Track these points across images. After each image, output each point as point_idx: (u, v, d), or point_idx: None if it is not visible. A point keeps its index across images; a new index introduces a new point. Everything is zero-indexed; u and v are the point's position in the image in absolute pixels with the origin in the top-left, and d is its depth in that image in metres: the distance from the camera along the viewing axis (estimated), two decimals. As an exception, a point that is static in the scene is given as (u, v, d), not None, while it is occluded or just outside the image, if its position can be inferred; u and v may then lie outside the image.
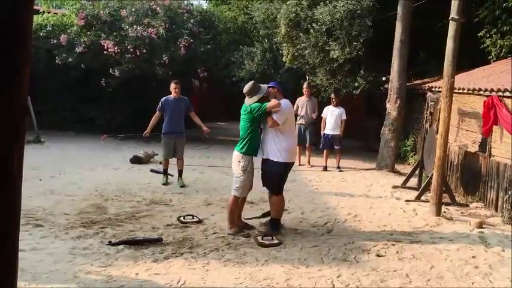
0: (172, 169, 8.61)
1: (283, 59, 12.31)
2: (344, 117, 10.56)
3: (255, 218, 6.40)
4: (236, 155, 5.66)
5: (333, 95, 10.92)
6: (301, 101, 10.87)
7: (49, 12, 14.26)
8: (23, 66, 1.16)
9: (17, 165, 1.13)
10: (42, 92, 13.08)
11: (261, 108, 5.46)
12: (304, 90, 10.91)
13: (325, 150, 10.62)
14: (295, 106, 10.89)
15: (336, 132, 10.58)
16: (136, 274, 4.43)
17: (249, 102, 5.58)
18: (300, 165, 10.58)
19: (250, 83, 5.74)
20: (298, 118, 10.78)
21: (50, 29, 13.45)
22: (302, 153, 10.78)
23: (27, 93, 1.19)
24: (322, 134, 10.72)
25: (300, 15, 11.60)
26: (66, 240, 5.24)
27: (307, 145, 10.78)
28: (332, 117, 10.59)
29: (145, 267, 4.60)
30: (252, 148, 5.62)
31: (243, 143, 5.59)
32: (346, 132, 10.95)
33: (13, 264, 1.20)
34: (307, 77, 12.34)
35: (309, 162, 10.81)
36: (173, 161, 8.59)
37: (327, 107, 10.82)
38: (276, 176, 5.72)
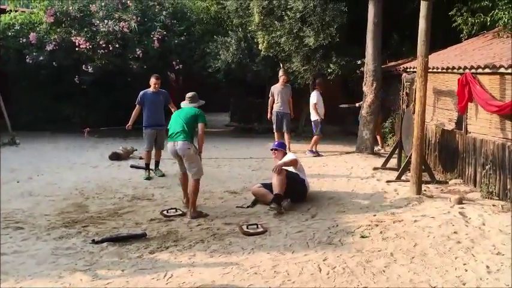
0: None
1: (259, 47, 12.27)
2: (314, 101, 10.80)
3: (246, 207, 6.45)
4: (184, 144, 6.18)
5: (318, 80, 11.00)
6: (276, 88, 10.86)
7: (16, 11, 13.89)
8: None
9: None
10: (15, 92, 12.79)
11: (203, 116, 6.45)
12: (281, 77, 10.90)
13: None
14: (270, 94, 10.96)
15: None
16: (122, 271, 4.39)
17: (188, 105, 6.53)
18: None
19: (195, 93, 6.63)
20: (274, 106, 10.82)
21: (18, 28, 13.11)
22: (281, 140, 10.80)
23: None
24: (320, 120, 10.73)
25: (272, 3, 11.56)
26: (48, 241, 5.16)
27: (285, 132, 10.77)
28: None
29: (130, 263, 4.56)
30: (193, 137, 6.36)
31: (188, 134, 6.24)
32: (326, 117, 11.05)
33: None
34: (280, 65, 12.33)
35: (289, 148, 10.83)
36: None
37: (317, 93, 10.79)
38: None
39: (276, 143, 7.48)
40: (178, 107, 6.88)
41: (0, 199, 6.62)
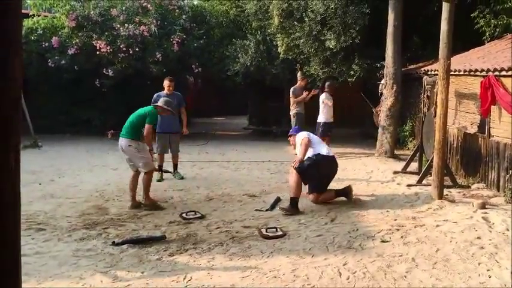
0: (169, 166, 8.60)
1: (278, 50, 12.26)
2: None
3: (265, 210, 6.42)
4: (126, 141, 6.51)
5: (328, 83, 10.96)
6: (297, 89, 10.95)
7: (39, 16, 14.13)
8: (13, 56, 1.13)
9: (14, 159, 1.10)
10: (36, 96, 13.00)
11: (151, 118, 6.67)
12: (303, 80, 11.01)
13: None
14: (292, 93, 10.95)
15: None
16: (142, 273, 4.41)
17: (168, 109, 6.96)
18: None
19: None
20: (296, 107, 10.83)
21: (40, 32, 13.35)
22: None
23: (20, 85, 1.16)
24: (325, 122, 10.67)
25: (292, 5, 11.54)
26: (69, 242, 5.21)
27: None
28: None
29: (150, 265, 4.58)
30: (139, 135, 6.61)
31: (130, 132, 6.54)
32: (344, 120, 11.01)
33: (16, 263, 1.17)
34: (298, 67, 12.28)
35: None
36: (168, 158, 8.59)
37: (327, 95, 10.78)
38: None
39: (293, 128, 7.44)
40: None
41: (20, 201, 6.71)
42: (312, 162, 6.54)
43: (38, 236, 5.40)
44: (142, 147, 6.54)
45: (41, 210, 6.39)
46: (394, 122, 10.57)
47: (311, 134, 6.96)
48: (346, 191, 6.74)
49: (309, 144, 6.62)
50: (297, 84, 11.13)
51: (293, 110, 10.97)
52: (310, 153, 6.62)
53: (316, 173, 6.55)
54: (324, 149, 6.75)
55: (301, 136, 6.77)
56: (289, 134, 7.25)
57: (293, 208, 6.28)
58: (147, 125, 6.52)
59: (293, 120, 10.91)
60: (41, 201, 6.93)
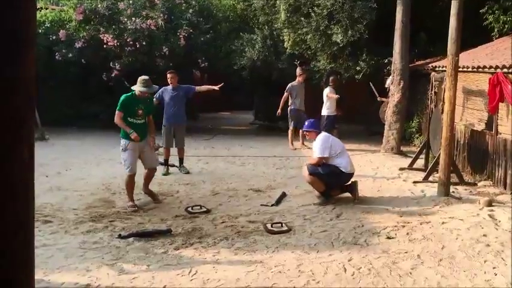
0: (175, 161, 8.63)
1: (285, 45, 12.22)
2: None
3: (271, 205, 6.44)
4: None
5: (332, 77, 11.02)
6: (295, 86, 11.13)
7: (47, 9, 14.16)
8: (28, 46, 1.13)
9: (28, 151, 1.10)
10: (43, 89, 13.00)
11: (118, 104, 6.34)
12: (301, 76, 11.05)
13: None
14: (286, 90, 11.04)
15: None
16: (148, 266, 4.43)
17: (144, 90, 6.31)
18: (294, 149, 11.01)
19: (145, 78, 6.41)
20: (291, 103, 10.94)
21: (48, 25, 13.36)
22: (295, 138, 11.14)
23: (34, 76, 1.17)
24: (328, 115, 10.75)
25: (299, 0, 11.49)
26: (76, 235, 5.24)
27: (301, 130, 10.86)
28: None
29: (156, 258, 4.60)
30: (125, 132, 6.31)
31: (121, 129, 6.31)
32: (349, 116, 11.03)
33: (29, 255, 1.18)
34: (298, 62, 12.26)
35: (303, 143, 10.99)
36: (174, 151, 8.61)
37: (330, 89, 10.82)
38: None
39: (307, 123, 7.05)
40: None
41: (34, 193, 6.75)
42: (328, 170, 6.52)
43: (45, 228, 5.44)
44: (124, 145, 6.28)
45: (47, 203, 6.44)
46: (401, 118, 10.52)
47: (333, 142, 6.72)
48: (352, 187, 6.72)
49: (323, 159, 6.56)
50: (296, 80, 11.17)
51: (290, 106, 11.12)
52: (330, 161, 6.57)
53: (327, 179, 6.53)
54: (344, 162, 6.62)
55: (317, 155, 6.59)
56: (305, 129, 7.02)
57: (327, 199, 6.51)
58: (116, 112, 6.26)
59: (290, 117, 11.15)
60: (47, 193, 6.97)
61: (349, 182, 6.79)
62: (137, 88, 6.33)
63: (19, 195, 1.14)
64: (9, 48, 1.10)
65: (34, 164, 1.20)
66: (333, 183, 6.58)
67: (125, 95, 6.41)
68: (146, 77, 6.41)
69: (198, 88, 8.87)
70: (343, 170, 6.54)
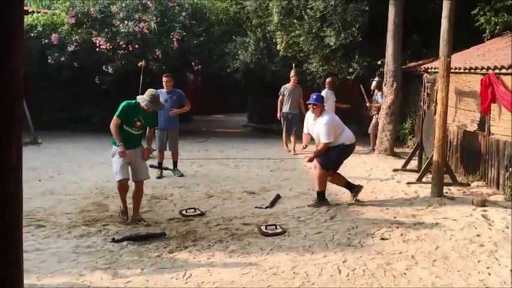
0: (169, 164, 8.61)
1: (278, 48, 12.25)
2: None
3: (265, 207, 6.43)
4: None
5: (329, 79, 11.01)
6: (287, 88, 11.03)
7: (39, 12, 14.09)
8: (16, 47, 1.12)
9: (16, 153, 1.10)
10: (36, 92, 12.95)
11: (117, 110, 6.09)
12: (293, 78, 11.02)
13: None
14: (280, 93, 11.03)
15: None
16: (142, 270, 4.41)
17: (149, 106, 5.95)
18: (289, 151, 10.97)
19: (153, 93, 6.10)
20: (284, 106, 10.92)
21: (40, 29, 13.29)
22: (289, 140, 11.07)
23: (22, 77, 1.16)
24: None
25: (292, 3, 11.52)
26: (69, 239, 5.21)
27: (292, 134, 10.86)
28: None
29: (150, 262, 4.58)
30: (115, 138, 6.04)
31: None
32: (342, 118, 11.00)
33: (18, 255, 1.17)
34: (293, 64, 12.28)
35: (294, 149, 10.83)
36: (168, 155, 8.59)
37: (328, 91, 10.80)
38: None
39: (315, 96, 6.67)
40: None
41: (22, 193, 6.70)
42: (334, 151, 6.50)
43: (38, 232, 5.40)
44: (114, 152, 5.97)
45: (40, 207, 6.39)
46: (394, 119, 10.56)
47: (336, 122, 6.61)
48: (355, 189, 6.69)
49: (330, 143, 6.45)
50: (289, 83, 11.11)
51: (283, 110, 11.06)
52: (335, 142, 6.50)
53: (335, 157, 6.57)
54: (345, 136, 6.57)
55: (325, 140, 6.44)
56: (312, 103, 6.57)
57: (321, 201, 6.48)
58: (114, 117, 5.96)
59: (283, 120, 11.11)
60: (40, 197, 6.92)
61: (358, 184, 6.81)
62: (143, 102, 5.94)
63: (8, 195, 1.13)
64: None
65: (22, 165, 1.19)
66: (341, 160, 6.71)
67: (127, 101, 6.04)
68: (156, 94, 6.12)
69: (187, 105, 8.67)
70: (347, 143, 6.60)
